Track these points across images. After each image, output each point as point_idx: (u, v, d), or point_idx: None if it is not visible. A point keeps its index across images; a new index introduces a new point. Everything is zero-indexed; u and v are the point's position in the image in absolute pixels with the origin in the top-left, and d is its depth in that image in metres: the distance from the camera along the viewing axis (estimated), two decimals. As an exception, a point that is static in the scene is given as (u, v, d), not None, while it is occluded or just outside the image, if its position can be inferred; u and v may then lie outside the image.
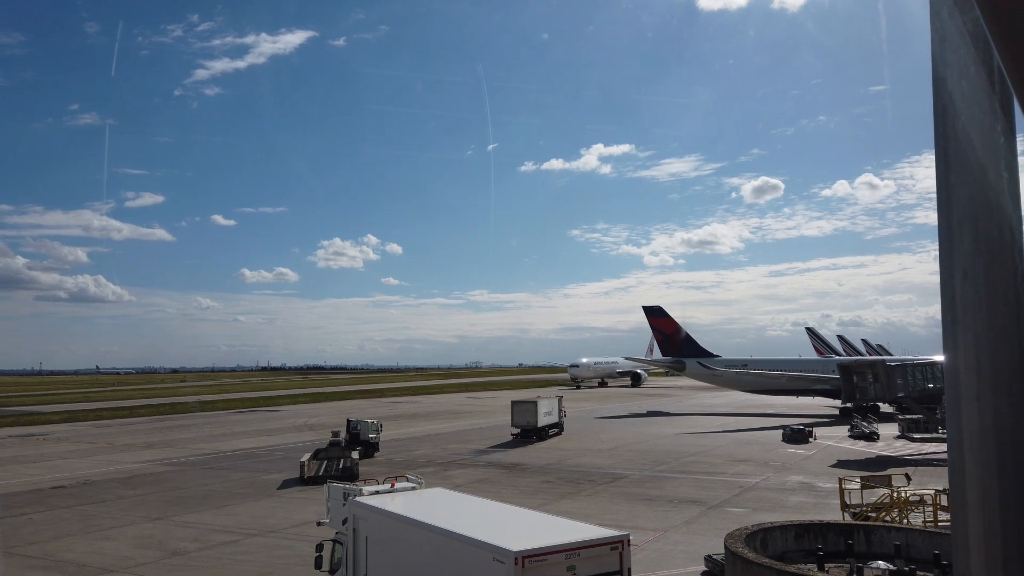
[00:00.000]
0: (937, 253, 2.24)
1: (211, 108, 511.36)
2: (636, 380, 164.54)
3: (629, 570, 15.56)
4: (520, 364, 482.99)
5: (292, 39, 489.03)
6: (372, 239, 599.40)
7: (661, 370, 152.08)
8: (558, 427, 69.56)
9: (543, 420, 65.77)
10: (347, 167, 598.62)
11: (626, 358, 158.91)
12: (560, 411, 70.57)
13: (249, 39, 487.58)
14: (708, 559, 25.74)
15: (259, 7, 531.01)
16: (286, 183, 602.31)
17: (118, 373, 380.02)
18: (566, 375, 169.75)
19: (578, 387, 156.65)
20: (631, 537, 16.26)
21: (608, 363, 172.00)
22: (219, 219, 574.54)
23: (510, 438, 64.84)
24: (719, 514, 34.86)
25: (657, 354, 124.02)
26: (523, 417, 65.45)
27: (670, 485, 42.81)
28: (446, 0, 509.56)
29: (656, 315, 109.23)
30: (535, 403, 66.51)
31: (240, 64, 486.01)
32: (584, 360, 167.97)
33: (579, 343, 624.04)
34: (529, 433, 64.55)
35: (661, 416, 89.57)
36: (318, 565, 20.19)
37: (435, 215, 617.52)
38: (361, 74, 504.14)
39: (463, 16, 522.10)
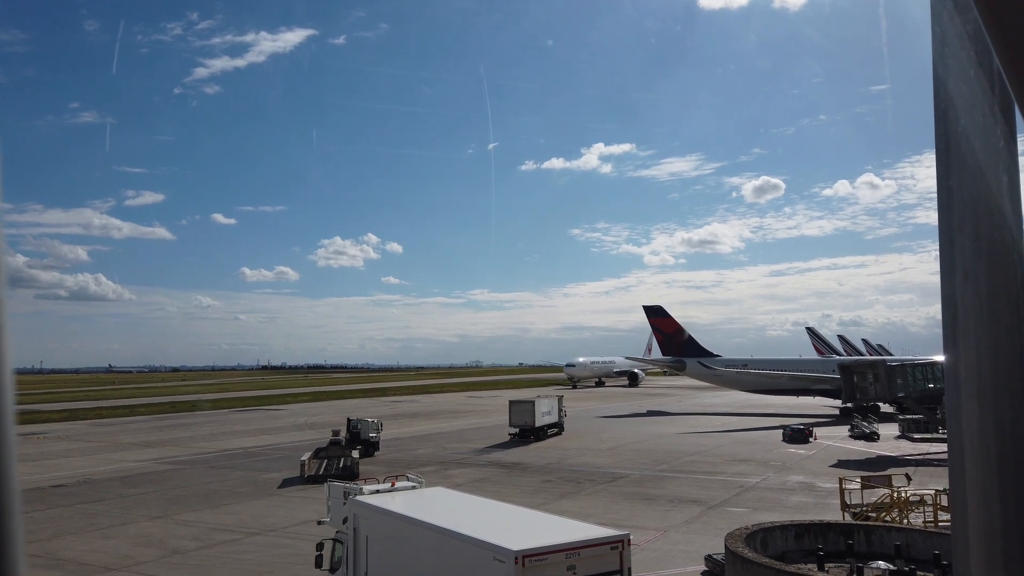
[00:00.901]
0: (938, 253, 2.24)
1: (211, 106, 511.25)
2: (633, 380, 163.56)
3: (629, 570, 15.59)
4: (520, 363, 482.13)
5: (292, 37, 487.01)
6: (372, 238, 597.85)
7: (659, 369, 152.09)
8: (558, 427, 69.32)
9: (541, 420, 65.53)
10: (347, 166, 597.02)
11: (626, 357, 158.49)
12: (560, 411, 70.32)
13: (249, 37, 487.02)
14: (708, 559, 25.77)
15: (259, 5, 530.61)
16: (286, 182, 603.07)
17: (131, 372, 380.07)
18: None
19: (574, 387, 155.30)
20: (631, 537, 16.29)
21: (605, 362, 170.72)
22: (219, 218, 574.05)
23: (509, 438, 64.89)
24: (719, 514, 34.88)
25: (655, 353, 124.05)
26: (521, 417, 65.29)
27: (670, 485, 42.82)
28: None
29: (656, 315, 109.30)
30: (532, 403, 66.37)
31: (240, 62, 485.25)
32: (580, 359, 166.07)
33: (579, 343, 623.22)
34: (527, 433, 64.42)
35: (661, 416, 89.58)
36: (318, 564, 20.23)
37: (435, 214, 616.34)
38: (361, 72, 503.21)
39: (464, 15, 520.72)
